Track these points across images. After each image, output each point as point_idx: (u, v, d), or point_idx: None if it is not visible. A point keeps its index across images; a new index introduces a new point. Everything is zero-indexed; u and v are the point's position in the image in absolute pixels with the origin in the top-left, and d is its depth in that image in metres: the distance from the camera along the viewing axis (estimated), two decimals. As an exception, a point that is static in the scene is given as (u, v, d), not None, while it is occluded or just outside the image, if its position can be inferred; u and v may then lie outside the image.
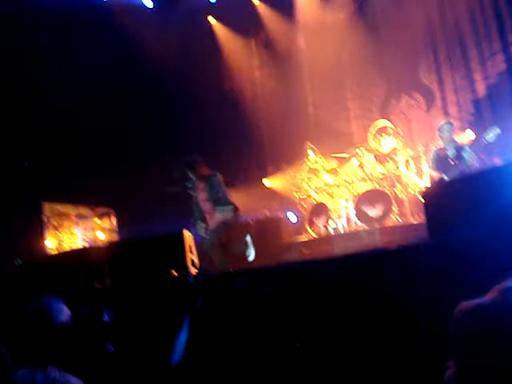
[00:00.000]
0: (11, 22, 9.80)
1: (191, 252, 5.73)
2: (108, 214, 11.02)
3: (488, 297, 1.34)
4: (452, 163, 8.04)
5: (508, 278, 1.41)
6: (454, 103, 11.04)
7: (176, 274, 5.18)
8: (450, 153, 8.18)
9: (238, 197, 11.16)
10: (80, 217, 10.61)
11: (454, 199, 4.27)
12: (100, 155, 11.00)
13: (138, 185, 10.71)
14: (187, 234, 5.81)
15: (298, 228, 10.02)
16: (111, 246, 6.44)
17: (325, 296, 4.25)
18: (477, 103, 10.79)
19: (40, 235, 9.81)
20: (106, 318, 3.34)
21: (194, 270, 5.58)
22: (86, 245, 10.36)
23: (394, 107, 11.69)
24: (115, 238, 10.69)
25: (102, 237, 10.66)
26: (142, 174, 10.79)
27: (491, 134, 7.76)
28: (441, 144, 8.44)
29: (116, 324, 3.47)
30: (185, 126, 11.89)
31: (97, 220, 10.92)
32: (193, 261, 5.69)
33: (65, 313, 3.28)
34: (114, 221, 10.97)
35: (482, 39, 10.73)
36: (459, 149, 8.13)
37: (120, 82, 11.30)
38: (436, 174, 8.23)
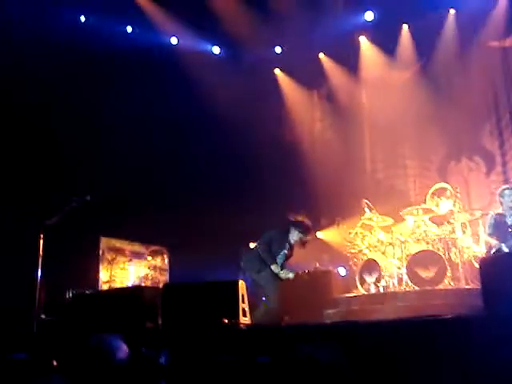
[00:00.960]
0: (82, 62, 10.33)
1: (243, 301, 5.81)
2: (161, 253, 11.23)
3: None
4: (510, 231, 7.90)
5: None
6: (514, 169, 10.94)
7: (227, 321, 5.27)
8: (509, 220, 8.03)
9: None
10: (134, 253, 10.85)
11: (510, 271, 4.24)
12: (160, 195, 11.30)
13: (194, 227, 10.93)
14: (241, 283, 5.90)
15: (348, 284, 9.96)
16: (166, 287, 6.57)
17: (372, 360, 4.23)
18: (538, 169, 10.69)
19: (95, 268, 10.07)
20: (163, 359, 3.44)
21: (244, 319, 5.65)
22: (138, 281, 10.56)
23: (452, 169, 11.64)
24: (166, 277, 10.87)
25: (153, 275, 10.84)
26: (199, 217, 11.01)
27: None
28: (500, 210, 8.31)
29: (171, 366, 3.56)
30: (243, 174, 12.10)
31: (149, 258, 11.13)
32: (244, 310, 5.76)
33: (124, 351, 3.40)
34: (166, 260, 11.16)
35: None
36: (520, 216, 7.99)
37: (180, 126, 11.67)
38: (492, 240, 8.08)
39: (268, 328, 5.63)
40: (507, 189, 8.31)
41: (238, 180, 12.09)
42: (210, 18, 11.50)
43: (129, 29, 12.10)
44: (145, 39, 11.79)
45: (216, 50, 13.06)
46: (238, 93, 11.58)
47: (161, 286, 9.11)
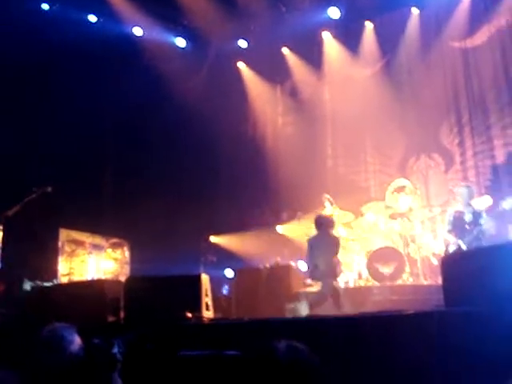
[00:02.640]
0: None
1: (207, 295, 5.80)
2: (121, 246, 11.12)
3: None
4: (468, 228, 8.06)
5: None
6: (472, 167, 11.16)
7: (191, 315, 5.25)
8: (467, 217, 8.18)
9: (250, 241, 11.29)
10: (94, 246, 10.71)
11: (474, 269, 4.32)
12: (120, 189, 11.21)
13: (155, 221, 10.87)
14: (204, 277, 5.88)
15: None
16: (128, 281, 6.51)
17: (331, 356, 4.26)
18: (495, 169, 10.92)
19: (54, 260, 9.91)
20: (115, 349, 3.39)
21: (207, 314, 5.65)
22: (97, 274, 10.44)
23: (412, 166, 11.81)
24: (126, 269, 10.77)
25: (113, 267, 10.74)
26: (160, 211, 10.96)
27: (509, 203, 7.81)
28: (458, 207, 8.48)
29: (127, 357, 3.52)
30: (204, 166, 12.08)
31: (109, 250, 11.01)
32: (207, 304, 5.75)
33: (76, 343, 3.36)
34: (126, 253, 11.06)
35: (504, 106, 10.92)
36: (476, 214, 8.13)
37: (142, 118, 11.57)
38: (451, 237, 8.24)
39: (230, 322, 5.63)
40: (465, 187, 8.50)
41: (198, 174, 12.06)
42: (176, 9, 11.43)
43: (93, 18, 11.90)
44: (109, 29, 11.61)
45: (181, 42, 12.95)
46: (201, 85, 11.55)
47: (121, 278, 9.03)
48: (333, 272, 7.98)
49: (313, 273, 8.19)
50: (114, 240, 10.89)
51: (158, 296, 5.64)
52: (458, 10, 11.33)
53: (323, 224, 8.34)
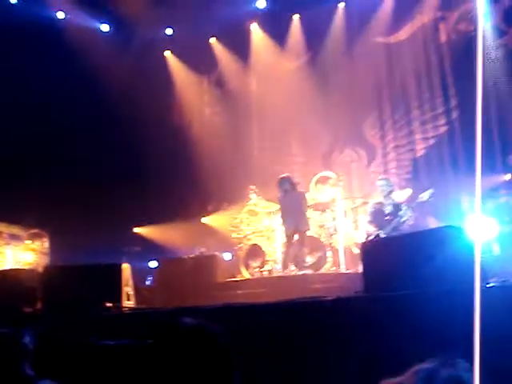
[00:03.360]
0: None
1: (127, 285, 5.70)
2: (41, 236, 10.76)
3: (403, 378, 1.41)
4: (387, 219, 8.28)
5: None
6: (393, 160, 11.48)
7: (110, 305, 5.15)
8: (387, 209, 8.41)
9: (176, 232, 11.20)
10: (12, 236, 10.33)
11: (391, 256, 4.44)
12: (41, 177, 10.86)
13: (76, 211, 10.61)
14: (125, 266, 5.78)
15: (233, 268, 10.05)
16: (46, 271, 6.30)
17: (253, 342, 4.29)
18: (415, 162, 11.28)
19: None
20: (26, 340, 3.28)
21: (128, 304, 5.56)
22: (16, 265, 10.08)
23: (336, 158, 12.03)
24: (46, 260, 10.44)
25: (32, 259, 10.38)
26: (82, 200, 10.72)
27: (425, 194, 8.07)
28: (378, 199, 8.69)
29: (39, 348, 3.42)
30: (129, 155, 11.87)
31: (28, 241, 10.65)
32: (128, 294, 5.66)
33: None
34: (46, 243, 10.71)
35: (425, 102, 11.29)
36: (395, 205, 8.37)
37: (63, 104, 11.24)
38: (371, 228, 8.45)
39: (151, 311, 5.56)
40: (384, 179, 8.74)
41: (123, 163, 11.83)
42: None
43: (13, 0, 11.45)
44: (30, 12, 11.18)
45: (105, 27, 12.65)
46: (126, 73, 11.32)
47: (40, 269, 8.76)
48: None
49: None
50: (33, 230, 10.52)
51: (76, 285, 5.49)
52: (383, 7, 11.62)
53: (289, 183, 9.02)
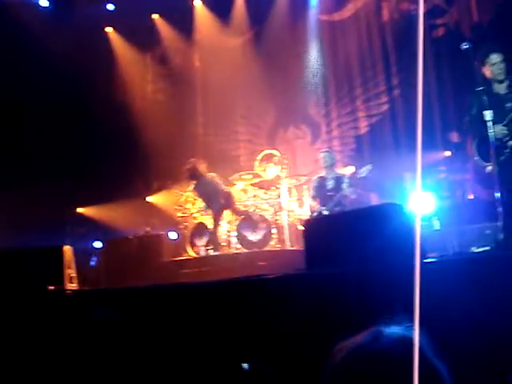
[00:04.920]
0: None
1: (69, 267, 5.61)
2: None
3: (362, 339, 1.43)
4: (330, 194, 8.38)
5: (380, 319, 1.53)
6: (337, 138, 11.62)
7: (53, 288, 5.07)
8: (329, 183, 8.51)
9: (120, 212, 11.07)
10: None
11: (333, 232, 4.50)
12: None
13: (14, 190, 10.32)
14: (66, 248, 5.68)
15: (179, 247, 10.03)
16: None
17: (197, 320, 4.30)
18: (358, 139, 11.45)
19: None
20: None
21: (71, 286, 5.47)
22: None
23: (281, 136, 12.08)
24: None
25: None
26: (21, 179, 10.44)
27: (364, 170, 8.19)
28: (321, 174, 8.79)
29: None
30: (70, 133, 11.61)
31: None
32: (71, 276, 5.57)
33: None
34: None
35: (368, 80, 11.44)
36: (338, 179, 8.48)
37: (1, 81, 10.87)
38: (314, 203, 8.56)
39: (93, 293, 5.50)
40: (326, 153, 8.85)
41: (64, 142, 11.56)
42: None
43: None
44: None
45: (44, 2, 12.22)
46: (66, 49, 11.00)
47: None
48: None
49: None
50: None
51: (17, 270, 5.36)
52: (326, -15, 11.62)
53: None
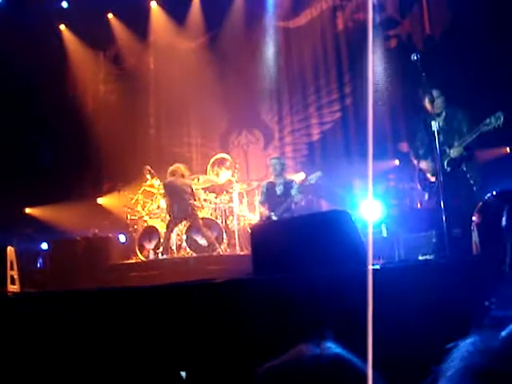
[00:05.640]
0: None
1: (12, 268, 5.47)
2: None
3: (287, 358, 1.41)
4: (279, 199, 8.40)
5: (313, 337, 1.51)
6: (290, 144, 11.69)
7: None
8: (278, 188, 8.53)
9: (69, 213, 10.88)
10: None
11: (279, 239, 4.51)
12: None
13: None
14: (9, 249, 5.54)
15: (128, 250, 9.92)
16: None
17: (142, 325, 4.25)
18: (310, 146, 11.55)
19: None
20: None
21: (12, 287, 5.33)
22: None
23: (234, 140, 12.08)
24: None
25: None
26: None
27: (313, 177, 8.24)
28: (271, 179, 8.81)
29: None
30: (20, 131, 11.38)
31: None
32: (13, 278, 5.44)
33: None
34: None
35: (321, 88, 11.55)
36: (287, 185, 8.50)
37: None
38: (263, 208, 8.57)
39: (36, 295, 5.37)
40: (275, 158, 8.87)
41: (13, 140, 11.32)
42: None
43: None
44: None
45: (-4, -4, 11.95)
46: (19, 46, 10.77)
47: None
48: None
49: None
50: None
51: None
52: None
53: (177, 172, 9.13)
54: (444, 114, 6.37)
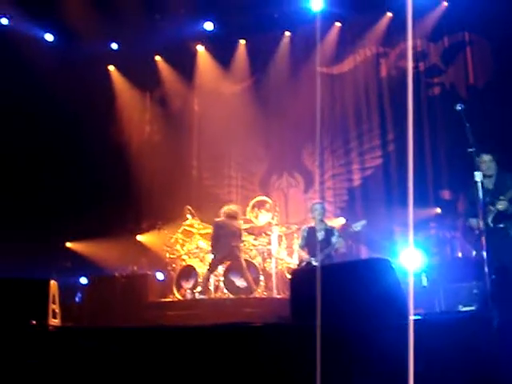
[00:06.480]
0: None
1: (54, 302, 5.57)
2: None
3: None
4: (320, 245, 8.32)
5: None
6: (330, 188, 11.68)
7: (35, 323, 5.02)
8: (319, 234, 8.43)
9: (109, 249, 11.02)
10: None
11: (322, 284, 4.49)
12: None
13: (5, 221, 10.32)
14: (52, 283, 5.65)
15: (165, 288, 9.97)
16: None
17: (178, 363, 4.26)
18: (351, 191, 11.50)
19: None
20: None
21: (54, 321, 5.42)
22: None
23: (274, 183, 12.13)
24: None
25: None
26: (11, 212, 10.47)
27: (358, 225, 8.17)
28: (312, 224, 8.75)
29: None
30: (65, 168, 11.69)
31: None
32: (54, 311, 5.53)
33: None
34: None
35: (364, 133, 11.57)
36: (328, 231, 8.40)
37: (7, 111, 10.97)
38: (303, 253, 8.49)
39: (77, 330, 5.45)
40: (317, 204, 8.80)
41: (58, 176, 11.63)
42: (45, 1, 10.96)
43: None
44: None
45: (49, 37, 12.41)
46: (69, 84, 11.14)
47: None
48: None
49: None
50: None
51: (1, 300, 5.31)
52: (328, 38, 11.85)
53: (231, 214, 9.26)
54: (495, 176, 6.61)
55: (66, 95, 11.03)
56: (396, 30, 11.21)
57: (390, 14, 11.37)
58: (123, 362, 4.23)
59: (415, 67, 10.99)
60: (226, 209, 9.37)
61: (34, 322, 5.13)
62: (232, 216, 9.25)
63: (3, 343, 4.68)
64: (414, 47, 11.01)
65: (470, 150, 5.69)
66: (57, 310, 5.62)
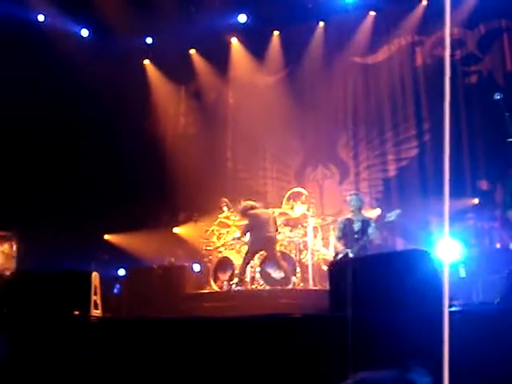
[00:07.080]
0: None
1: (95, 294, 5.69)
2: (9, 238, 10.65)
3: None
4: (356, 236, 8.28)
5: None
6: (365, 179, 11.62)
7: (78, 313, 5.14)
8: (356, 225, 8.38)
9: (146, 241, 11.16)
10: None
11: (358, 277, 4.51)
12: (8, 182, 10.76)
13: (48, 215, 10.53)
14: (94, 274, 5.77)
15: (202, 280, 10.06)
16: (15, 275, 6.25)
17: (215, 354, 4.32)
18: (386, 182, 11.43)
19: None
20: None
21: (96, 312, 5.54)
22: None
23: (309, 175, 12.11)
24: (13, 264, 10.33)
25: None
26: (54, 206, 10.65)
27: (393, 214, 8.10)
28: (348, 215, 8.72)
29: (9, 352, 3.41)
30: (102, 161, 11.85)
31: (-4, 243, 10.54)
32: (96, 303, 5.65)
33: None
34: (14, 246, 10.60)
35: (399, 124, 11.47)
36: (365, 223, 8.33)
37: (41, 107, 11.14)
38: (339, 245, 8.44)
39: (118, 321, 5.56)
40: (354, 195, 8.74)
41: (95, 169, 11.80)
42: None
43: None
44: (9, 13, 11.06)
45: (84, 32, 12.60)
46: (104, 79, 11.27)
47: (8, 273, 8.66)
48: None
49: None
50: (1, 233, 10.41)
51: (44, 292, 5.46)
52: (362, 28, 11.78)
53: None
54: None
55: (101, 90, 11.16)
56: (431, 17, 11.07)
57: (424, 2, 11.26)
58: (163, 353, 4.31)
59: (452, 55, 10.84)
60: (244, 204, 9.39)
61: (77, 313, 5.26)
62: (253, 207, 9.27)
63: (48, 333, 4.81)
64: (451, 35, 10.76)
65: (509, 139, 5.61)
66: (98, 301, 5.73)
